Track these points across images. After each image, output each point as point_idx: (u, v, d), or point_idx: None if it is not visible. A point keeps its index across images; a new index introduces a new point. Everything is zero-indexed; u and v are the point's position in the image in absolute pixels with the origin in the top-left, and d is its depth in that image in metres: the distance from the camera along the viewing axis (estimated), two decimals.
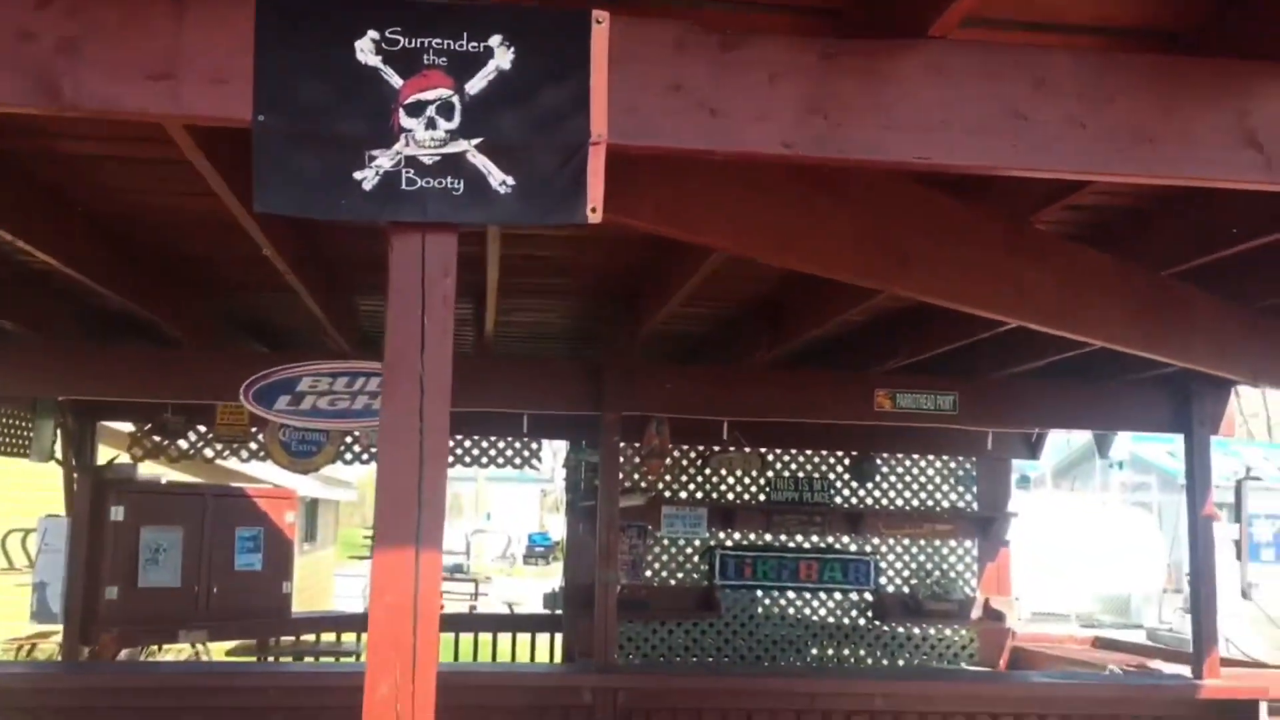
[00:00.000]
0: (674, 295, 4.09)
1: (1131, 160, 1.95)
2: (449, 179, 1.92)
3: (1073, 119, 1.94)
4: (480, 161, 1.91)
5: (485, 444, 6.87)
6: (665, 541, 6.99)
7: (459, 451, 6.79)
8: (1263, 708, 4.97)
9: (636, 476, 6.81)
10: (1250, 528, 25.68)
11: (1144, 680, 5.77)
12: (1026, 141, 1.95)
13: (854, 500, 7.24)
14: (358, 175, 1.90)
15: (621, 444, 5.85)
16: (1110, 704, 5.21)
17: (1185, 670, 5.52)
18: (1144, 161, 1.95)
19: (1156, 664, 6.19)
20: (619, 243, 3.99)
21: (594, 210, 1.92)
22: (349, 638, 7.89)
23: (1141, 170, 1.99)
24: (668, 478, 6.98)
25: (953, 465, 7.31)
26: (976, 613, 7.12)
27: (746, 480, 7.13)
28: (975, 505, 7.30)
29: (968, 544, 7.28)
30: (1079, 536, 18.05)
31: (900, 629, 7.11)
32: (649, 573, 6.92)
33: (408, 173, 1.91)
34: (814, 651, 7.07)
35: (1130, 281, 3.27)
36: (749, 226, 2.63)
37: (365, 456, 6.81)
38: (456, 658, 8.18)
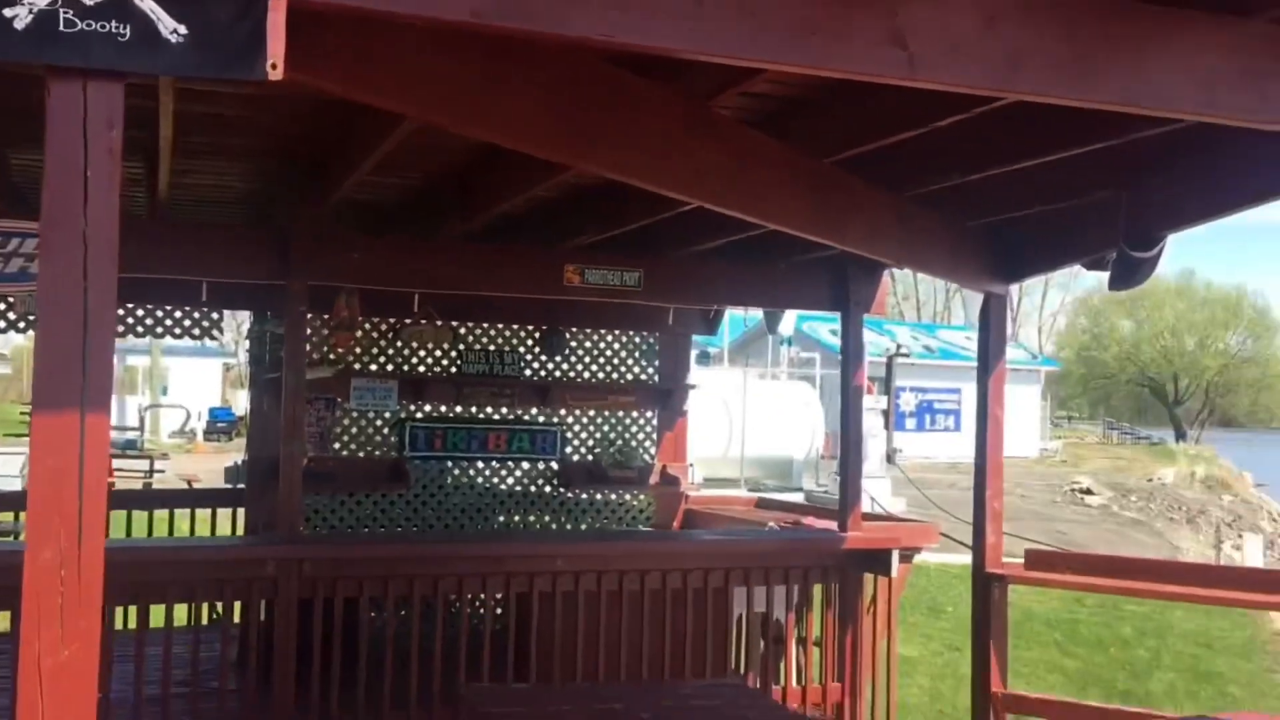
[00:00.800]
0: (363, 163, 4.01)
1: (796, 51, 2.10)
2: (114, 23, 1.79)
3: (744, 8, 2.06)
4: (148, 6, 1.80)
5: (160, 313, 6.49)
6: (355, 414, 6.91)
7: (130, 321, 6.38)
8: (894, 555, 5.61)
9: (325, 349, 6.67)
10: (897, 399, 28.63)
11: (797, 535, 6.35)
12: (702, 27, 2.05)
13: (543, 373, 7.42)
14: (8, 12, 1.74)
15: (309, 315, 5.70)
16: (768, 556, 5.71)
17: (834, 525, 6.11)
18: (807, 53, 2.10)
19: (810, 520, 6.81)
20: (306, 105, 3.85)
21: (274, 66, 1.85)
22: (6, 517, 7.36)
23: (804, 61, 2.14)
24: (358, 350, 6.88)
25: (637, 340, 7.62)
26: (654, 479, 7.55)
27: (438, 353, 7.14)
28: (657, 378, 7.67)
29: (648, 415, 7.66)
30: (750, 408, 19.34)
31: (584, 495, 7.44)
32: (337, 445, 6.85)
33: (66, 13, 1.77)
34: (501, 519, 7.27)
35: (797, 167, 3.53)
36: (437, 94, 2.62)
37: (22, 325, 6.28)
38: (129, 535, 7.83)
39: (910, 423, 30.49)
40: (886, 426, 29.34)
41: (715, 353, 30.07)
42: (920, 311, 50.51)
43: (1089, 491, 25.18)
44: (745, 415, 19.01)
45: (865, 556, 5.75)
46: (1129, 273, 3.58)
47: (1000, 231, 4.50)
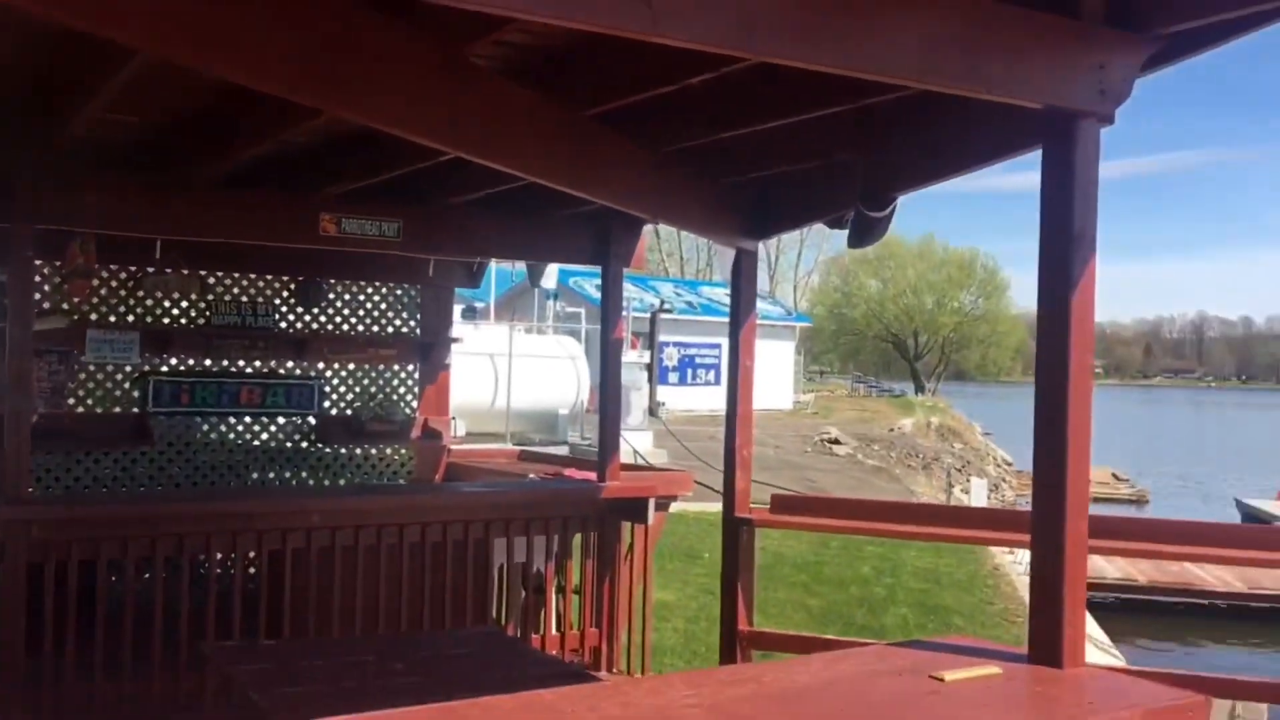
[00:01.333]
0: (94, 98, 3.75)
1: (541, 1, 2.11)
2: None
3: None
4: None
5: None
6: (92, 368, 6.50)
7: None
8: (650, 503, 5.79)
9: (58, 298, 6.23)
10: (661, 354, 29.25)
11: (557, 485, 6.45)
12: None
13: (299, 325, 7.20)
14: None
15: (39, 262, 5.29)
16: (528, 507, 5.79)
17: (593, 476, 6.23)
18: (552, 2, 2.11)
19: (570, 472, 6.92)
20: (27, 34, 3.56)
21: None
22: None
23: (549, 11, 2.15)
24: (94, 300, 6.46)
25: (399, 292, 7.50)
26: (416, 432, 7.47)
27: (185, 304, 6.80)
28: (418, 331, 7.57)
29: (410, 368, 7.56)
30: (516, 362, 19.37)
31: (343, 450, 7.28)
32: (72, 401, 6.43)
33: None
34: (255, 476, 7.04)
35: (556, 120, 3.55)
36: (173, 24, 2.48)
37: None
38: None
39: (673, 377, 31.32)
40: (650, 380, 30.09)
41: (482, 307, 29.90)
42: (684, 268, 51.86)
43: (837, 441, 26.62)
44: (511, 369, 19.03)
45: (623, 506, 5.91)
46: (864, 231, 3.81)
47: (751, 189, 4.67)
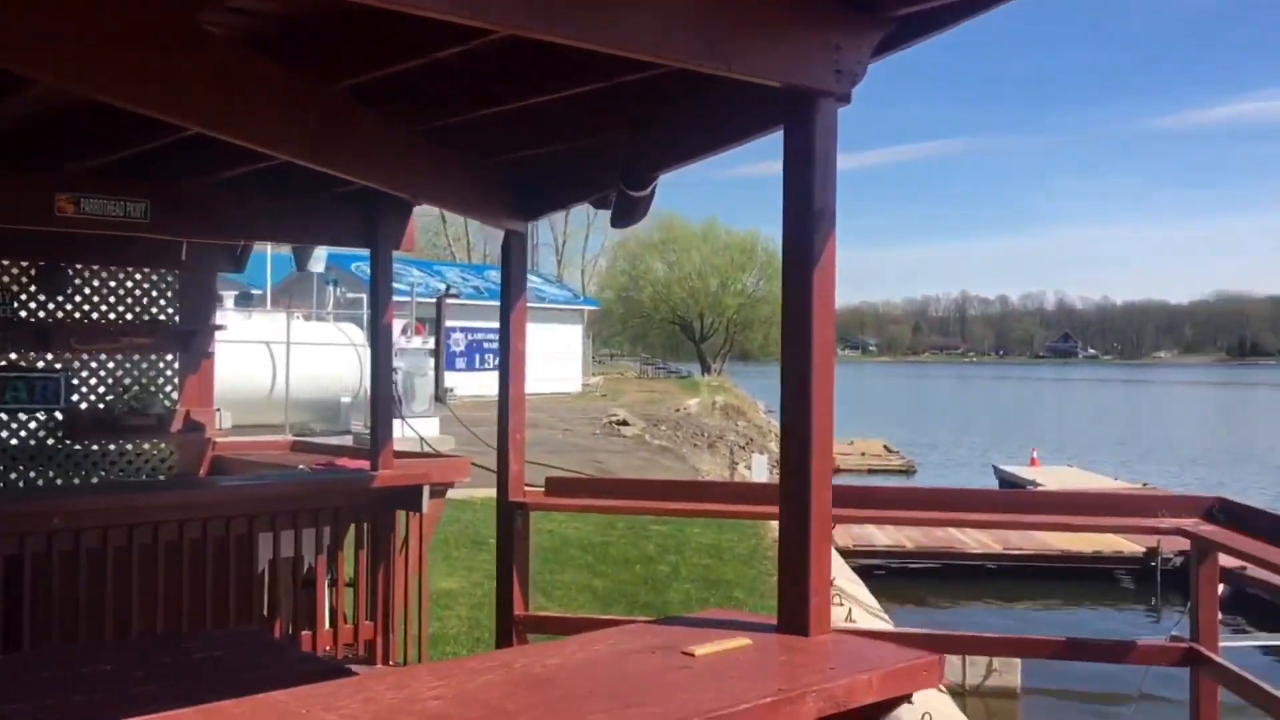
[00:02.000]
0: None
1: None
2: None
3: None
4: None
5: None
6: None
7: None
8: (425, 490, 5.67)
9: None
10: (448, 339, 28.78)
11: (327, 476, 6.23)
12: None
13: (42, 314, 6.67)
14: None
15: None
16: (297, 499, 5.56)
17: (367, 465, 6.04)
18: None
19: (343, 461, 6.70)
20: None
21: None
22: None
23: None
24: None
25: (155, 277, 7.05)
26: (177, 425, 7.06)
27: None
28: (177, 319, 7.15)
29: (169, 358, 7.13)
30: (295, 350, 18.69)
31: (95, 447, 6.80)
32: None
33: None
34: None
35: (301, 93, 3.38)
36: None
37: None
38: None
39: (461, 362, 30.94)
40: (436, 366, 29.63)
41: (259, 294, 28.70)
42: (470, 253, 51.31)
43: (625, 423, 26.93)
44: (290, 358, 18.34)
45: (397, 494, 5.76)
46: (627, 211, 3.82)
47: (516, 169, 4.61)
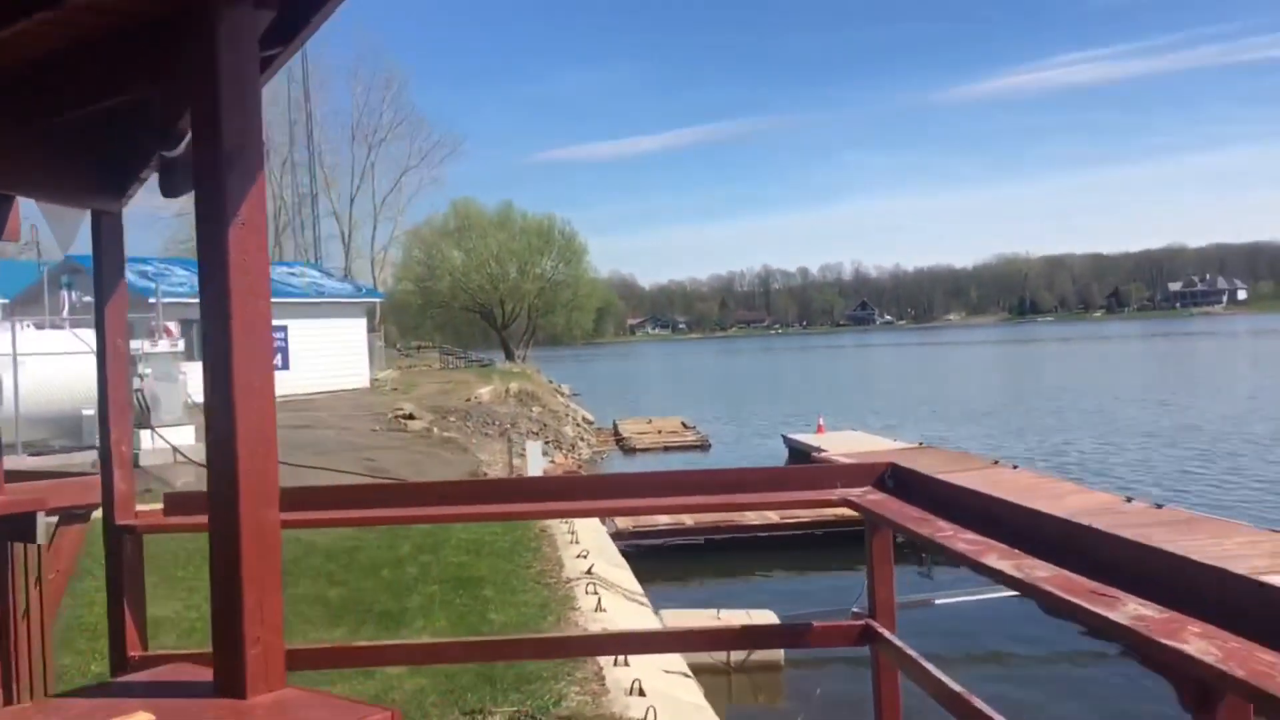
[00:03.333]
0: None
1: None
2: None
3: None
4: None
5: None
6: None
7: None
8: (39, 517, 4.90)
9: None
10: None
11: None
12: None
13: None
14: None
15: None
16: None
17: None
18: None
19: None
20: None
21: None
22: None
23: None
24: None
25: None
26: None
27: None
28: None
29: None
30: (28, 362, 17.09)
31: None
32: None
33: None
34: None
35: None
36: None
37: None
38: None
39: None
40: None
41: (6, 303, 26.44)
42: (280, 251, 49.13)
43: (411, 417, 26.03)
44: (16, 371, 16.75)
45: (8, 521, 4.97)
46: (170, 177, 3.22)
47: (91, 139, 3.92)
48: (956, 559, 3.14)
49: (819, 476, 4.37)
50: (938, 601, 11.62)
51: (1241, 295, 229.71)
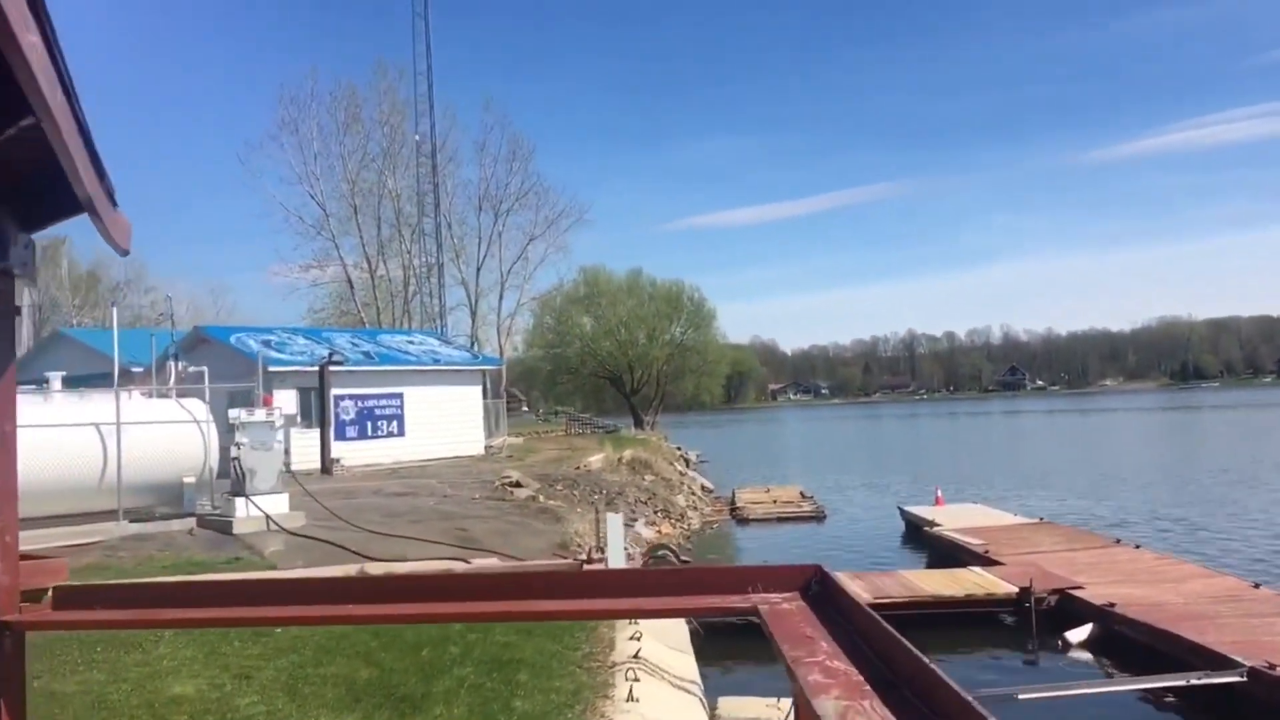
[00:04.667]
0: None
1: None
2: None
3: None
4: None
5: None
6: None
7: None
8: None
9: None
10: (337, 408, 27.60)
11: None
12: None
13: None
14: None
15: None
16: None
17: None
18: None
19: None
20: None
21: None
22: None
23: None
24: None
25: None
26: None
27: None
28: None
29: None
30: (130, 430, 17.61)
31: None
32: None
33: None
34: None
35: None
36: None
37: None
38: None
39: (352, 430, 29.89)
40: (323, 436, 28.57)
41: (140, 371, 27.58)
42: (381, 318, 50.39)
43: (518, 485, 25.97)
44: (120, 439, 17.27)
45: None
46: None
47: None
48: (795, 689, 2.64)
49: (741, 578, 3.89)
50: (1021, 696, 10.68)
51: None
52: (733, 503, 33.67)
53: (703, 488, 39.43)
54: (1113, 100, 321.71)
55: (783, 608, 3.62)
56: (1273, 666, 10.29)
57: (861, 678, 2.67)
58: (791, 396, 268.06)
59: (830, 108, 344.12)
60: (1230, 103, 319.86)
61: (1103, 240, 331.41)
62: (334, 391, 29.17)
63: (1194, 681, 10.67)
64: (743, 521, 30.23)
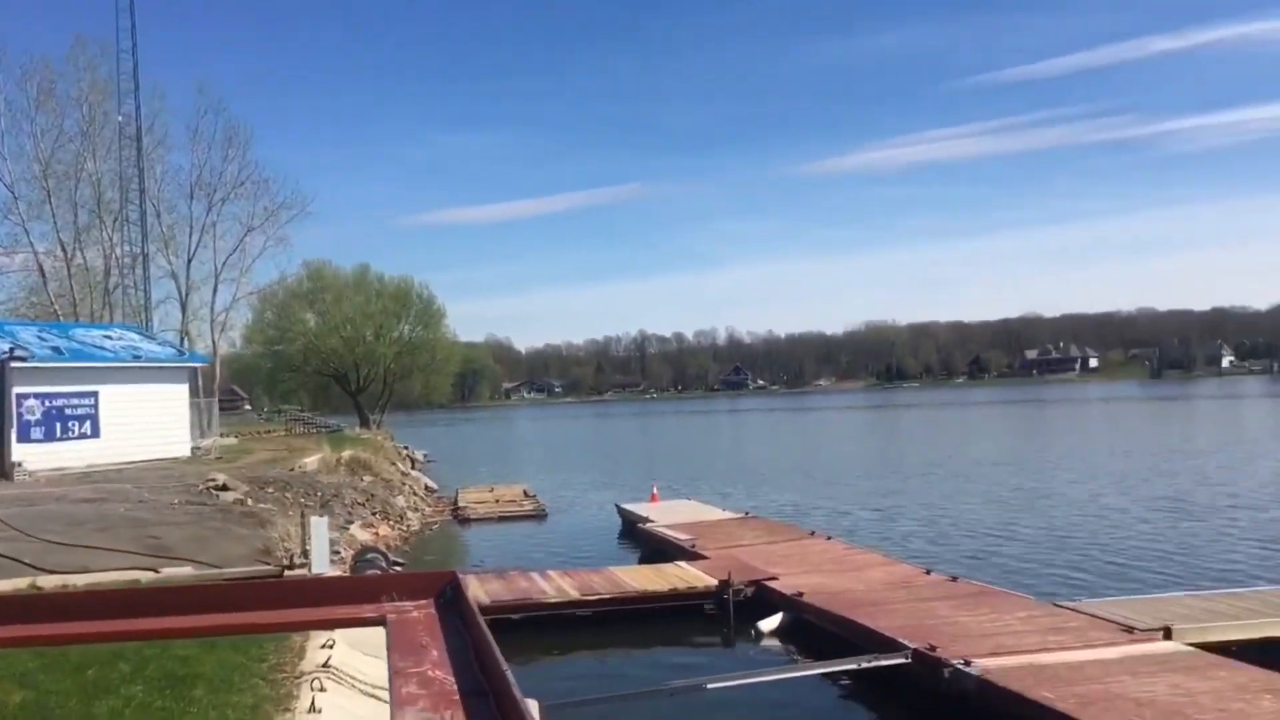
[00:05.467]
0: None
1: None
2: None
3: None
4: None
5: None
6: None
7: None
8: None
9: None
10: (20, 407, 25.32)
11: None
12: None
13: None
14: None
15: None
16: None
17: None
18: None
19: None
20: None
21: None
22: None
23: None
24: None
25: None
26: None
27: None
28: None
29: None
30: None
31: None
32: None
33: None
34: None
35: None
36: None
37: None
38: None
39: (38, 432, 27.48)
40: (2, 438, 26.20)
41: None
42: (78, 310, 46.54)
43: (224, 488, 24.71)
44: None
45: None
46: None
47: None
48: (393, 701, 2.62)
49: (378, 587, 3.85)
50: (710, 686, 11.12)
51: (1093, 363, 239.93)
52: (455, 503, 33.37)
53: (426, 488, 38.88)
54: (834, 116, 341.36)
55: (411, 616, 3.61)
56: (933, 648, 11.17)
57: (456, 688, 2.68)
58: (526, 395, 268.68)
59: (575, 110, 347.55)
60: (939, 123, 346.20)
61: (821, 247, 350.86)
62: (16, 390, 26.79)
63: (865, 664, 11.44)
64: (464, 521, 30.01)
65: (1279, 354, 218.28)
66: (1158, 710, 8.87)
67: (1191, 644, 11.35)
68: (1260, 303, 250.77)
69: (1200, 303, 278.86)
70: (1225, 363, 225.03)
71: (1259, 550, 20.01)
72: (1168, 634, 11.67)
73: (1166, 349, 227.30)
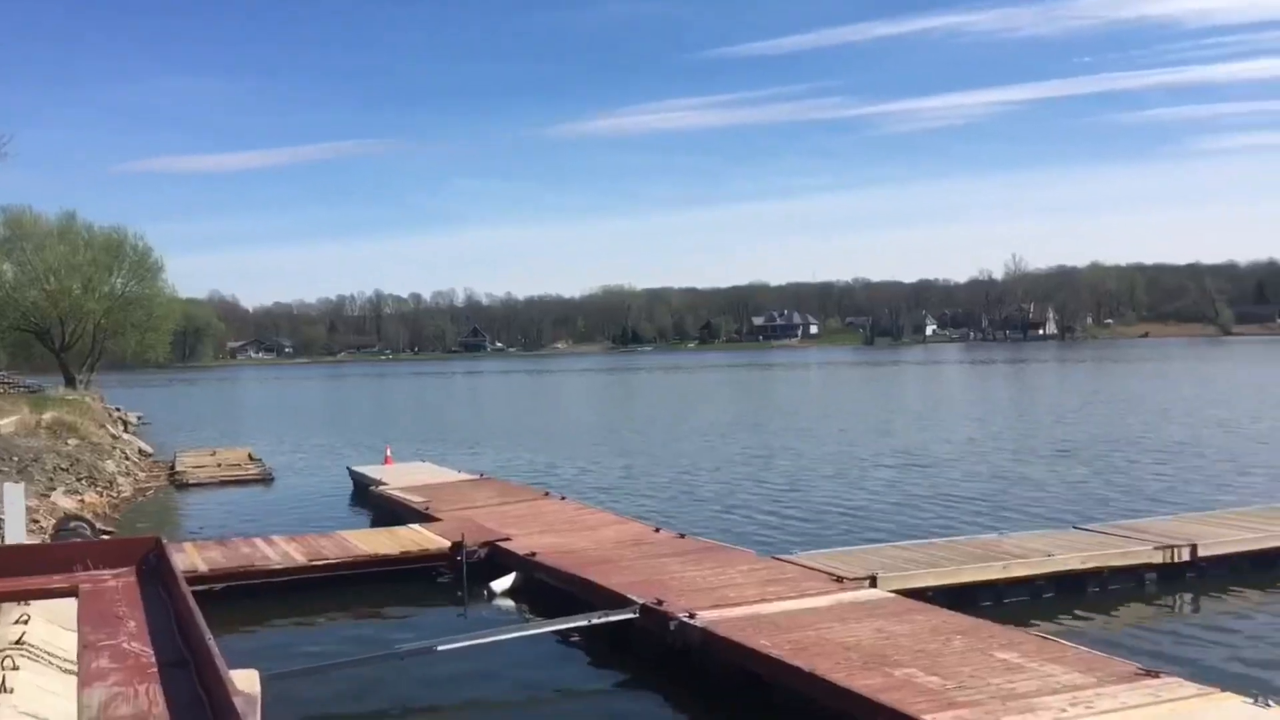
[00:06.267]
0: None
1: None
2: None
3: None
4: None
5: None
6: None
7: None
8: None
9: None
10: None
11: None
12: None
13: None
14: None
15: None
16: None
17: None
18: None
19: None
20: None
21: None
22: None
23: None
24: None
25: None
26: None
27: None
28: None
29: None
30: None
31: None
32: None
33: None
34: None
35: None
36: None
37: None
38: None
39: None
40: None
41: None
42: None
43: None
44: None
45: None
46: None
47: None
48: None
49: (70, 556, 3.56)
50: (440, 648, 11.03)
51: (814, 330, 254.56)
52: (173, 468, 31.53)
53: (140, 452, 36.53)
54: (587, 81, 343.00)
55: (107, 584, 3.36)
56: (660, 603, 11.51)
57: (154, 659, 2.51)
58: (253, 355, 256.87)
59: (314, 61, 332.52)
60: (679, 92, 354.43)
61: (560, 213, 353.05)
62: None
63: (595, 621, 11.64)
64: (182, 487, 28.40)
65: (974, 323, 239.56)
66: (863, 652, 9.49)
67: (894, 590, 12.23)
68: (960, 276, 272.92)
69: (909, 275, 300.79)
70: (929, 331, 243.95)
71: (958, 505, 21.77)
72: (873, 582, 12.52)
73: (878, 318, 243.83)
